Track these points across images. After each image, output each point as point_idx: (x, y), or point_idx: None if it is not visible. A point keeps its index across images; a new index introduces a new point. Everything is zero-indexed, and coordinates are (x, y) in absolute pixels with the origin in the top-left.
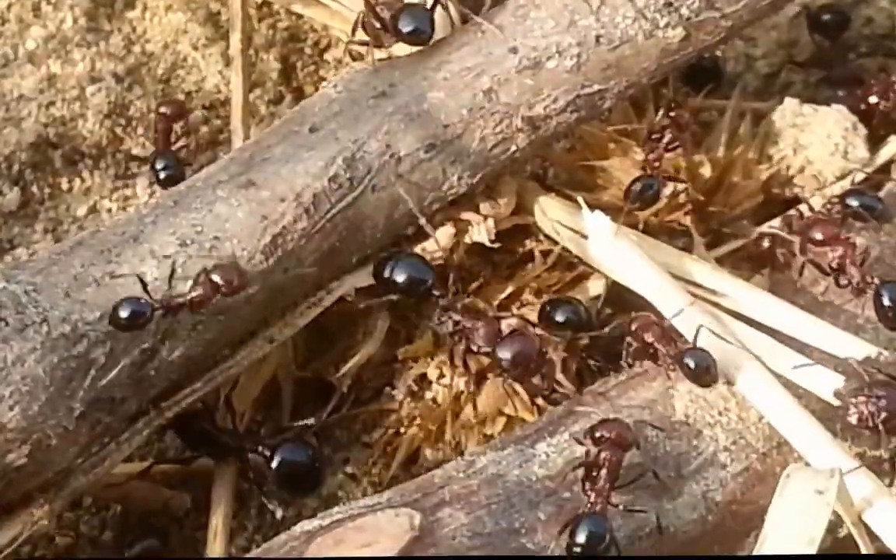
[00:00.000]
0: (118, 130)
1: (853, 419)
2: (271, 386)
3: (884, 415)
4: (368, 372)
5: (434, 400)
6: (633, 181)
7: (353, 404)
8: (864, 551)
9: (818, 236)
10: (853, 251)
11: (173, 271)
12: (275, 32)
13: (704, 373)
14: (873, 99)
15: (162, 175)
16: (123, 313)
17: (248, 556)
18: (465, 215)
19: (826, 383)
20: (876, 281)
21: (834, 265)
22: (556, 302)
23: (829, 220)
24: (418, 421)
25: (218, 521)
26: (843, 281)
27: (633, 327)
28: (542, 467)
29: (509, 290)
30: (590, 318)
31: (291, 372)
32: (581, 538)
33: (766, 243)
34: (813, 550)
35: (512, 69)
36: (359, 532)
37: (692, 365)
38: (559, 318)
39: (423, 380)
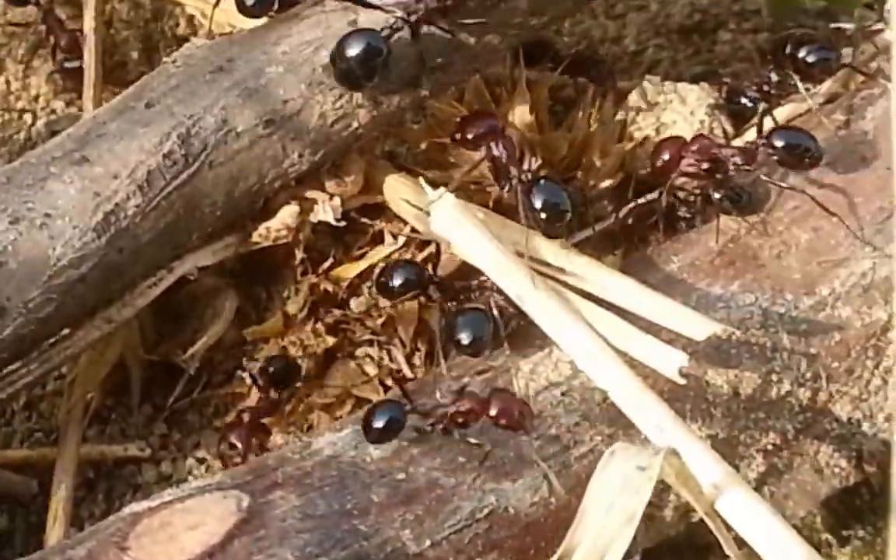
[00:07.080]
0: None
1: None
2: (120, 370)
3: None
4: (219, 354)
5: None
6: None
7: (204, 387)
8: (720, 539)
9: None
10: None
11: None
12: (136, 12)
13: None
14: None
15: None
16: None
17: (73, 538)
18: (310, 194)
19: (673, 363)
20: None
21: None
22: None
23: None
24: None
25: (58, 507)
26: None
27: None
28: (378, 448)
29: (360, 268)
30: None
31: (139, 355)
32: None
33: (628, 221)
34: (633, 527)
35: None
36: (186, 514)
37: None
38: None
39: None
